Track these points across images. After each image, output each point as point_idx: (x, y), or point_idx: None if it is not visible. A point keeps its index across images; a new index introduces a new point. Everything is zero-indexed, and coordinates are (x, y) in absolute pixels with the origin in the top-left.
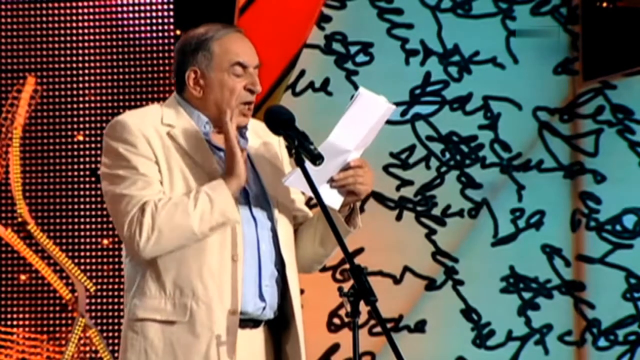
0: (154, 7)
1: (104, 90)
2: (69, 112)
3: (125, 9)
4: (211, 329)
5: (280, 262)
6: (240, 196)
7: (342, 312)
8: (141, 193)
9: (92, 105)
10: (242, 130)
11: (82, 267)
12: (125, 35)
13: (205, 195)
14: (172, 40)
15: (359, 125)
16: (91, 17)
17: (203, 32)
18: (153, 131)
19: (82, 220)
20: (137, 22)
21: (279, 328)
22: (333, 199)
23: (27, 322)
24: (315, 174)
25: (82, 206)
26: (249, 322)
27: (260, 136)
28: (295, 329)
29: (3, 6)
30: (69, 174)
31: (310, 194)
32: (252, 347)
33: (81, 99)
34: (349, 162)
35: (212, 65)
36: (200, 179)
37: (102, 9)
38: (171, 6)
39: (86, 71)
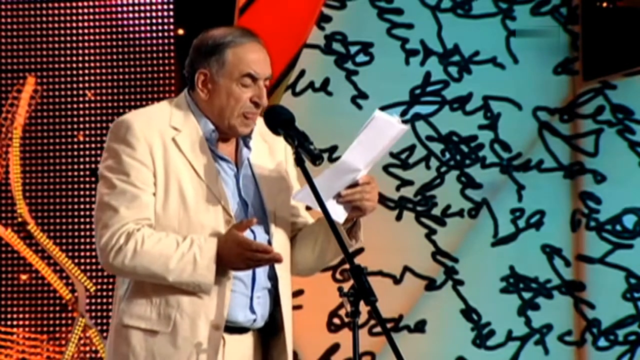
0: (154, 7)
1: (104, 90)
2: (69, 112)
3: (125, 9)
4: (192, 342)
5: (273, 274)
6: (240, 209)
7: (342, 312)
8: (127, 212)
9: (92, 105)
10: (246, 139)
11: (82, 267)
12: (125, 35)
13: (192, 257)
14: (172, 40)
15: (372, 146)
16: (91, 17)
17: (221, 36)
18: (157, 136)
19: (82, 220)
20: (137, 22)
21: (268, 334)
22: (338, 213)
23: (27, 322)
24: (324, 190)
25: (82, 206)
26: (237, 329)
27: (267, 141)
28: (284, 339)
29: (3, 6)
30: (69, 174)
31: (318, 209)
32: (240, 352)
33: (81, 99)
34: (357, 180)
35: (222, 71)
36: (198, 189)
37: (102, 9)
38: (171, 6)
39: (86, 71)
